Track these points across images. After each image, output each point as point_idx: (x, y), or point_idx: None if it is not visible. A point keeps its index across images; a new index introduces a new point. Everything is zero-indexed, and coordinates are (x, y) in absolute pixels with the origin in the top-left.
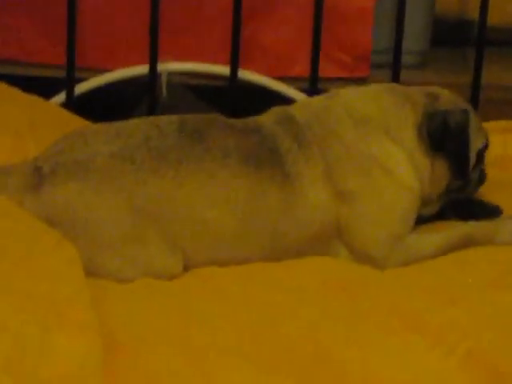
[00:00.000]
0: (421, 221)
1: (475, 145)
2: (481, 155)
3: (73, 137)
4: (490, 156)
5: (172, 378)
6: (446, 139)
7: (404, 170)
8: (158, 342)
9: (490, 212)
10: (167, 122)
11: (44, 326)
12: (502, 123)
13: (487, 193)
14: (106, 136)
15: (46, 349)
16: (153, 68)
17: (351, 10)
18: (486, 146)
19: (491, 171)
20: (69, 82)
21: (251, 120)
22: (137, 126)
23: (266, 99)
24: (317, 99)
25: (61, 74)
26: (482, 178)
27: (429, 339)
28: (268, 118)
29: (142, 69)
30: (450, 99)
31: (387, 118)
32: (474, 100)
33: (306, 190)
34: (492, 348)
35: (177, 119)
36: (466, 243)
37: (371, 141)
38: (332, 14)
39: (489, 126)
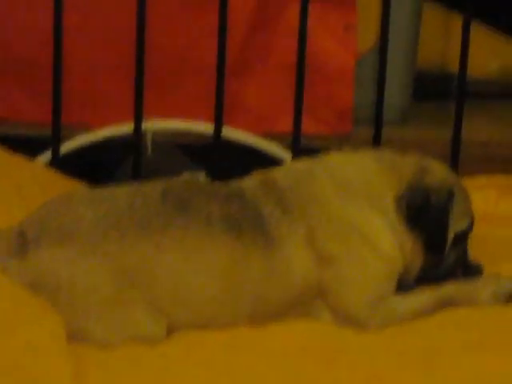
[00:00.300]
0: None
1: (455, 226)
2: (461, 237)
3: (58, 202)
4: None
5: None
6: (423, 216)
7: (383, 237)
8: None
9: (471, 271)
10: (151, 189)
11: None
12: (483, 179)
13: (469, 249)
14: (90, 202)
15: None
16: (138, 126)
17: (332, 68)
18: (468, 229)
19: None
20: (54, 141)
21: (234, 184)
22: (121, 192)
23: (250, 155)
24: (301, 163)
25: (46, 132)
26: (460, 261)
27: None
28: (251, 183)
29: (127, 127)
30: (440, 176)
31: (370, 186)
32: (455, 156)
33: (288, 254)
34: None
35: (160, 186)
36: (448, 304)
37: (352, 208)
38: (314, 73)
39: (469, 181)
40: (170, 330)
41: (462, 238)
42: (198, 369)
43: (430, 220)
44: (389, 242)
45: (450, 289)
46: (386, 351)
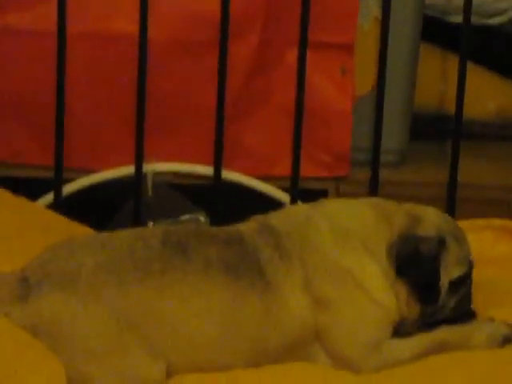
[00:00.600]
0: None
1: (450, 274)
2: (459, 284)
3: (59, 248)
4: None
5: None
6: (413, 265)
7: (377, 284)
8: None
9: (464, 315)
10: (151, 234)
11: None
12: (479, 222)
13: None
14: (91, 248)
15: None
16: (138, 169)
17: (330, 112)
18: (466, 275)
19: None
20: (57, 184)
21: (233, 229)
22: (122, 238)
23: (249, 197)
24: (299, 208)
25: (48, 174)
26: (463, 306)
27: None
28: (249, 227)
29: (128, 169)
30: (432, 224)
31: (367, 232)
32: (451, 198)
33: (286, 299)
34: None
35: (161, 231)
36: (442, 348)
37: (348, 254)
38: (312, 116)
39: (465, 224)
40: (170, 374)
41: (460, 284)
42: None
43: (419, 270)
44: (383, 289)
45: (444, 332)
46: None
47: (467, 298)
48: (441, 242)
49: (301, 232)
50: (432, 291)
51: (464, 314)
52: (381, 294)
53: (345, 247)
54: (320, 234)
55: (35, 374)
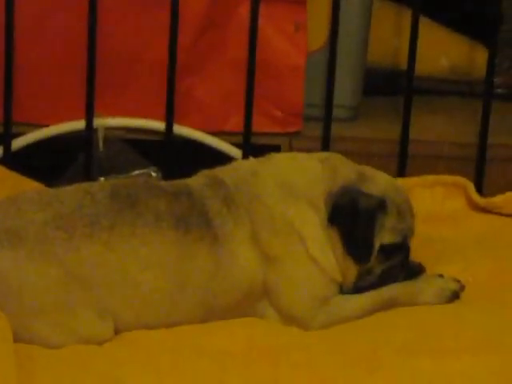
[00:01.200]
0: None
1: (383, 238)
2: (388, 251)
3: (6, 204)
4: (418, 210)
5: None
6: (346, 216)
7: (317, 237)
8: None
9: (411, 271)
10: (99, 188)
11: None
12: (430, 178)
13: (414, 247)
14: (38, 204)
15: None
16: (89, 123)
17: (283, 66)
18: (398, 246)
19: (418, 226)
20: (6, 137)
21: (182, 183)
22: (69, 193)
23: (201, 153)
24: (247, 163)
25: None
26: (389, 274)
27: None
28: (197, 181)
29: (79, 124)
30: (379, 187)
31: (309, 185)
32: (403, 154)
33: (235, 252)
34: None
35: (109, 186)
36: (391, 304)
37: (291, 208)
38: (265, 71)
39: (417, 180)
40: (118, 330)
41: (390, 252)
42: (143, 368)
43: (353, 221)
44: (321, 245)
45: (393, 289)
46: (328, 351)
47: (395, 273)
48: (381, 204)
49: (248, 186)
50: (364, 247)
51: (410, 270)
52: (318, 249)
53: (288, 200)
54: (266, 188)
55: None
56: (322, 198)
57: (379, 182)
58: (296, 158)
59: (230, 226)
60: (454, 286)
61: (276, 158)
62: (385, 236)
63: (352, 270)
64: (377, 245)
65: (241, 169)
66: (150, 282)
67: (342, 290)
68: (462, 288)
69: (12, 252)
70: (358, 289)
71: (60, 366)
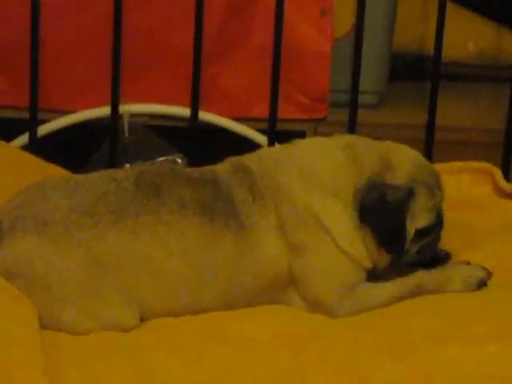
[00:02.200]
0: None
1: (416, 223)
2: (425, 233)
3: (32, 190)
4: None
5: None
6: (373, 213)
7: (343, 228)
8: None
9: (438, 258)
10: (125, 176)
11: None
12: (457, 164)
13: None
14: (64, 191)
15: None
16: (115, 109)
17: (309, 52)
18: (433, 226)
19: (445, 212)
20: (32, 124)
21: (208, 171)
22: (95, 180)
23: (226, 139)
24: (271, 151)
25: (23, 115)
26: (426, 250)
27: None
28: (224, 169)
29: (104, 110)
30: (407, 172)
31: (334, 176)
32: (429, 140)
33: (260, 241)
34: None
35: (134, 173)
36: (418, 292)
37: (315, 198)
38: (290, 57)
39: (443, 166)
40: (144, 318)
41: (427, 232)
42: (168, 357)
43: (382, 218)
44: (349, 236)
45: (420, 277)
46: (355, 339)
47: (433, 244)
48: (409, 192)
49: (271, 175)
50: (396, 240)
51: (437, 258)
52: (346, 241)
53: (313, 192)
54: (289, 178)
55: (8, 319)
56: (348, 191)
57: (404, 165)
58: (319, 146)
59: (256, 214)
60: (481, 274)
61: (299, 145)
62: (418, 221)
63: (385, 257)
64: (412, 232)
65: (265, 157)
66: (175, 269)
67: (374, 274)
68: (490, 275)
69: (38, 238)
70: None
71: (86, 353)
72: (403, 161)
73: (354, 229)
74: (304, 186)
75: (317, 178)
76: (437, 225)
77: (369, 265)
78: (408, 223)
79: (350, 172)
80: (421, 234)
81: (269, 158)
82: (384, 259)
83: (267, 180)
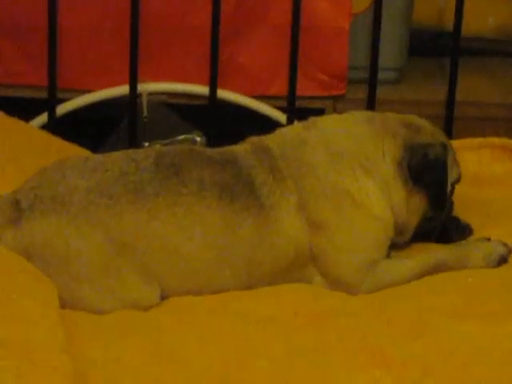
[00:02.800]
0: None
1: (451, 177)
2: (453, 187)
3: (51, 171)
4: (464, 173)
5: None
6: (426, 173)
7: (374, 202)
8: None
9: (461, 230)
10: (144, 156)
11: (18, 373)
12: (477, 140)
13: (461, 210)
14: (83, 171)
15: None
16: (133, 88)
17: (327, 29)
18: (459, 178)
19: (465, 189)
20: (50, 103)
21: (228, 151)
22: (114, 160)
23: (245, 117)
24: (294, 130)
25: (42, 95)
26: (451, 207)
27: (394, 375)
28: (244, 149)
29: (123, 89)
30: (430, 131)
31: (363, 150)
32: (449, 116)
33: (280, 221)
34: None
35: (153, 153)
36: (439, 268)
37: (345, 174)
38: (309, 34)
39: (463, 143)
40: (164, 296)
41: (453, 188)
42: (188, 336)
43: (432, 176)
44: (381, 205)
45: (441, 254)
46: (375, 316)
47: (452, 202)
48: (444, 146)
49: (296, 154)
50: (443, 195)
51: (461, 230)
52: (379, 211)
53: (341, 168)
54: (316, 156)
55: (29, 298)
56: (379, 162)
57: (425, 126)
58: (343, 123)
59: (276, 195)
60: (501, 250)
61: (322, 123)
62: (452, 173)
63: (413, 225)
64: (449, 186)
65: (288, 136)
66: (194, 250)
67: (397, 245)
68: (510, 252)
69: (56, 219)
70: (423, 234)
71: (106, 332)
72: (423, 123)
73: (383, 198)
74: (331, 164)
75: (345, 154)
76: (460, 179)
77: (393, 234)
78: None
79: (381, 143)
80: (451, 189)
81: (292, 137)
82: (411, 227)
83: (289, 160)
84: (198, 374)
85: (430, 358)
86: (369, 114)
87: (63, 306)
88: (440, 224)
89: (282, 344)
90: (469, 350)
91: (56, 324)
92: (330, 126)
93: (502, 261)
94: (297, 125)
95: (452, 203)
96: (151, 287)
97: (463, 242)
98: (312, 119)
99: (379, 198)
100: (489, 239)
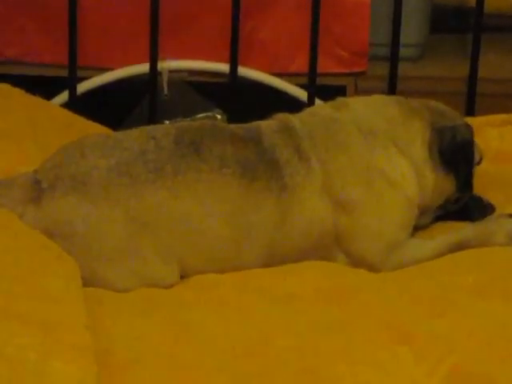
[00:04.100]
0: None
1: (476, 158)
2: (475, 168)
3: (71, 149)
4: (486, 150)
5: None
6: (456, 155)
7: (408, 182)
8: (151, 361)
9: (483, 208)
10: (164, 133)
11: (41, 351)
12: (499, 117)
13: (483, 187)
14: (102, 149)
15: (42, 374)
16: (153, 66)
17: (348, 6)
18: (481, 159)
19: (487, 166)
20: (71, 81)
21: (252, 127)
22: (133, 138)
23: (265, 94)
24: (323, 110)
25: (63, 73)
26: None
27: (416, 353)
28: (269, 126)
29: (143, 67)
30: (452, 114)
31: (396, 130)
32: (471, 93)
33: (304, 202)
34: (477, 362)
35: (173, 130)
36: (462, 247)
37: (379, 153)
38: (329, 11)
39: (485, 119)
40: (184, 275)
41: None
42: (209, 313)
43: (462, 158)
44: (412, 186)
45: (465, 232)
46: (397, 293)
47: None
48: (469, 128)
49: (326, 134)
50: (470, 176)
51: (484, 209)
52: (410, 191)
53: (375, 147)
54: (348, 135)
55: (51, 275)
56: (409, 143)
57: (448, 110)
58: (374, 104)
59: (301, 175)
60: None
61: (353, 103)
62: (476, 155)
63: (436, 204)
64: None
65: (319, 115)
66: (214, 229)
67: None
68: None
69: (76, 198)
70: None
71: (127, 310)
72: (443, 107)
73: (415, 178)
74: (366, 143)
75: (378, 134)
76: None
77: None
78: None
79: (411, 124)
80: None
81: (323, 116)
82: (436, 205)
83: (317, 139)
84: (220, 349)
85: (452, 335)
86: (393, 97)
87: (85, 284)
88: (465, 203)
89: (305, 321)
90: (492, 328)
91: (78, 301)
92: (360, 106)
93: None
94: (325, 104)
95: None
96: (171, 266)
97: (486, 219)
98: (340, 99)
99: (411, 177)
100: (511, 216)
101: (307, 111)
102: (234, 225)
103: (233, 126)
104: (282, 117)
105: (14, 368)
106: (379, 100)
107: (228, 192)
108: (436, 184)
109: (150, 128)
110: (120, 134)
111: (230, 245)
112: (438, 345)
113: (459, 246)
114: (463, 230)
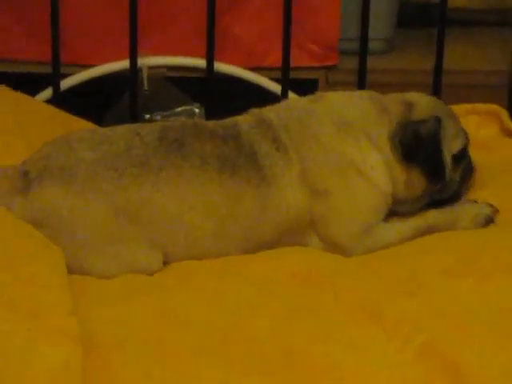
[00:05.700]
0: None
1: (450, 149)
2: (461, 155)
3: (59, 142)
4: None
5: (146, 381)
6: (417, 149)
7: (378, 172)
8: (133, 344)
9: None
10: (148, 130)
11: (27, 337)
12: (464, 106)
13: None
14: (89, 143)
15: (29, 359)
16: (133, 63)
17: (319, 2)
18: (465, 147)
19: None
20: (55, 78)
21: (230, 124)
22: (119, 134)
23: (241, 88)
24: (299, 102)
25: (46, 70)
26: (467, 174)
27: (387, 331)
28: (247, 122)
29: (124, 64)
30: (426, 107)
31: (368, 123)
32: (437, 84)
33: (282, 192)
34: (445, 339)
35: (157, 128)
36: (429, 231)
37: (350, 145)
38: (301, 7)
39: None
40: (167, 262)
41: (462, 156)
42: (190, 298)
43: (424, 151)
44: (382, 177)
45: (431, 217)
46: (370, 276)
47: (469, 169)
48: (437, 121)
49: (301, 125)
50: (439, 168)
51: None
52: (380, 181)
53: (347, 139)
54: (322, 127)
55: (37, 263)
56: (379, 137)
57: (422, 102)
58: (347, 97)
59: (279, 166)
60: (488, 211)
61: (329, 97)
62: (452, 145)
63: (415, 194)
64: (448, 158)
65: (294, 108)
66: (196, 221)
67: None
68: (496, 212)
69: (63, 189)
70: (439, 201)
71: (111, 295)
72: (419, 99)
73: (386, 169)
74: (338, 134)
75: (351, 126)
76: (467, 146)
77: (391, 202)
78: (444, 152)
79: (380, 120)
80: (457, 159)
81: (299, 109)
82: (415, 194)
83: (293, 131)
84: (200, 333)
85: (422, 315)
86: (368, 92)
87: (70, 272)
88: (454, 190)
89: (281, 304)
90: (461, 308)
91: (64, 288)
92: (335, 99)
93: (489, 221)
94: (302, 98)
95: (467, 170)
96: (154, 254)
97: (452, 205)
98: (318, 94)
99: (383, 170)
100: (475, 201)
101: (283, 104)
102: (214, 217)
103: (211, 124)
104: (257, 112)
105: (0, 353)
106: (355, 94)
107: (209, 187)
108: (405, 177)
109: (136, 125)
110: (107, 130)
111: (210, 235)
112: (409, 323)
113: (427, 230)
114: (430, 214)
